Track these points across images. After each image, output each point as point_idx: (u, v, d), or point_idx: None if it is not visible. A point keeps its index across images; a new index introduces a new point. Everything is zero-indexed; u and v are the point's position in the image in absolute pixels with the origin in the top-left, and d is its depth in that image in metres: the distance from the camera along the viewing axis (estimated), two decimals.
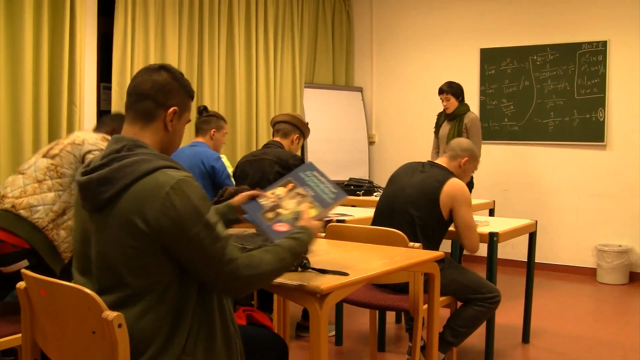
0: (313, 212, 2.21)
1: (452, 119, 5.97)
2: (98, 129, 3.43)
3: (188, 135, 5.88)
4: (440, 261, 3.37)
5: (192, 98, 2.07)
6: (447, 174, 3.53)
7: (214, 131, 4.69)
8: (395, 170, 3.76)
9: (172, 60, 5.76)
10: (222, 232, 1.84)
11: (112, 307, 1.74)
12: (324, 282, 2.03)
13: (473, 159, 3.67)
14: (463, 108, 5.99)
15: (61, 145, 3.06)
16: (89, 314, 1.73)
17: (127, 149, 1.88)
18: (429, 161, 3.68)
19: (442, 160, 3.66)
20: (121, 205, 1.80)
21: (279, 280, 2.05)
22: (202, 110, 4.80)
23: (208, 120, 4.76)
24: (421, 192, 3.46)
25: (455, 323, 3.51)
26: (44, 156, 3.01)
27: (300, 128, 4.38)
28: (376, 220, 3.63)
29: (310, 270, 2.20)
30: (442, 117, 6.15)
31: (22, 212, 2.87)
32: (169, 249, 1.80)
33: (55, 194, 2.93)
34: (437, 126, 6.15)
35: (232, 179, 4.43)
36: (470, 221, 3.48)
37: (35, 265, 2.89)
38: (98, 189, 1.84)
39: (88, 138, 3.07)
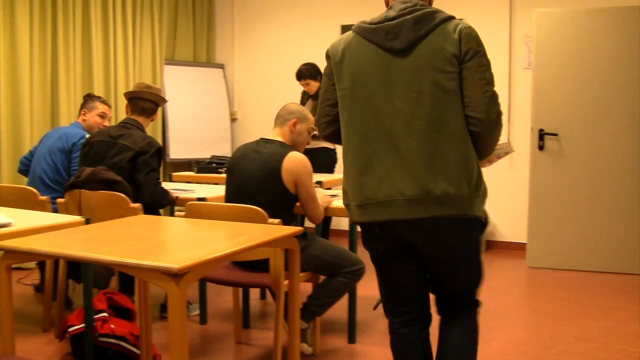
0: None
1: (316, 98, 6.04)
2: None
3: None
4: (302, 238, 3.43)
5: None
6: (283, 149, 3.44)
7: (85, 112, 4.77)
8: (232, 156, 3.64)
9: (24, 42, 5.46)
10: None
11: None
12: (180, 261, 2.00)
13: (303, 119, 3.60)
14: None
15: None
16: None
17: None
18: (261, 138, 3.57)
19: (275, 132, 3.58)
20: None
21: (132, 261, 2.00)
22: (85, 96, 4.81)
23: (83, 101, 4.84)
24: (265, 175, 3.38)
25: (319, 294, 3.55)
26: None
27: (158, 104, 4.26)
28: None
29: None
30: (305, 96, 6.21)
31: None
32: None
33: None
34: (302, 104, 6.19)
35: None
36: (314, 193, 3.47)
37: None
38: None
39: None
